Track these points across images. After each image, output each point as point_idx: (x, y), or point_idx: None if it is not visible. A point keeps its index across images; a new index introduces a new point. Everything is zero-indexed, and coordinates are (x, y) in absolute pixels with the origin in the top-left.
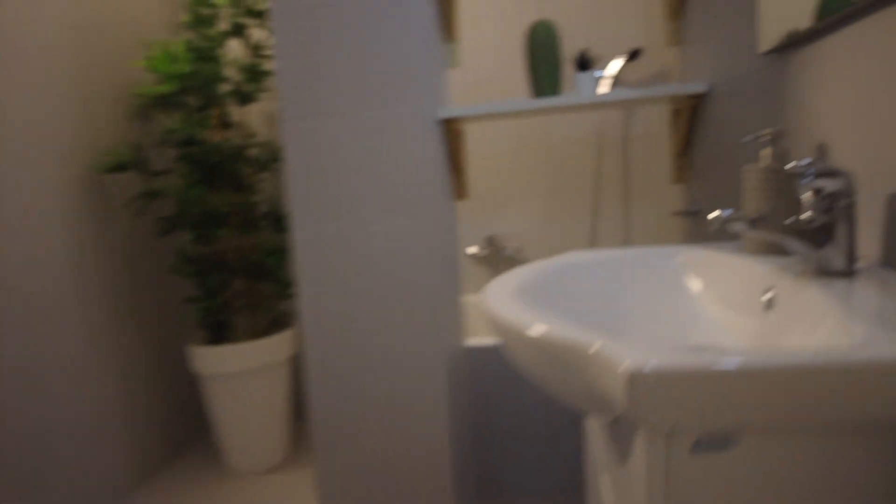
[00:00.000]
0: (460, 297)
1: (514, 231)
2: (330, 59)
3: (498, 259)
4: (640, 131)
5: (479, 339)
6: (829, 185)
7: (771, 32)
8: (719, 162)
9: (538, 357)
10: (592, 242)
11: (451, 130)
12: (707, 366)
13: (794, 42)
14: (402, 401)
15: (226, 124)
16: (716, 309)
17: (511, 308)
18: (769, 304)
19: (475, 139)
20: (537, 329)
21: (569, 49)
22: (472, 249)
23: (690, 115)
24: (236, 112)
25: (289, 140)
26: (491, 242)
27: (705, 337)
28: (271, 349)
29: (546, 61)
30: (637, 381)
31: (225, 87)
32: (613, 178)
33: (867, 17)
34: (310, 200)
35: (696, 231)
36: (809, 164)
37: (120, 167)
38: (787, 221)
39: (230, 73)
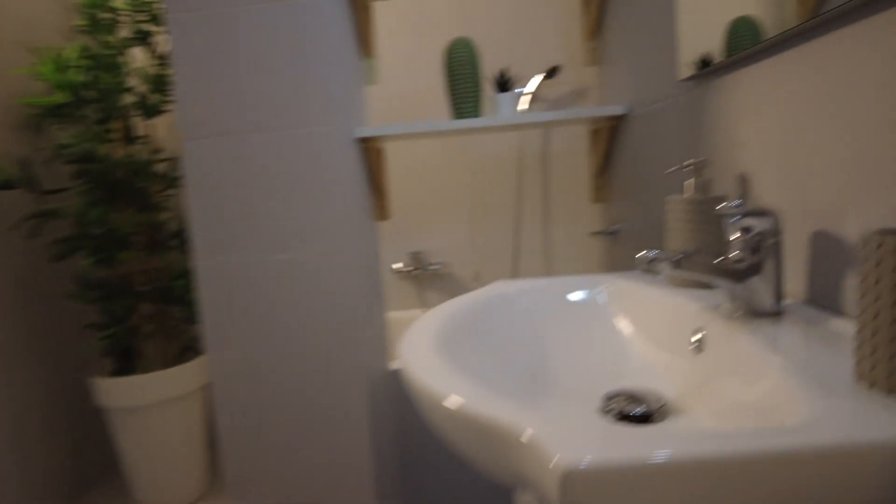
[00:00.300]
0: (383, 319)
1: (439, 246)
2: (234, 74)
3: (423, 275)
4: (561, 148)
5: None
6: (758, 224)
7: (688, 60)
8: (638, 183)
9: (461, 433)
10: (515, 258)
11: (370, 149)
12: (646, 459)
13: (708, 73)
14: (319, 430)
15: (130, 138)
16: (645, 349)
17: (429, 366)
18: (699, 347)
19: (399, 154)
20: (457, 401)
21: (489, 67)
22: (397, 265)
23: (609, 135)
24: (142, 125)
25: (189, 161)
26: (416, 258)
27: (637, 380)
28: (184, 377)
29: (466, 80)
30: (571, 478)
31: (128, 99)
32: (535, 194)
33: (776, 56)
34: (213, 227)
35: (615, 251)
36: (739, 206)
37: (4, 185)
38: (716, 262)
39: (134, 83)
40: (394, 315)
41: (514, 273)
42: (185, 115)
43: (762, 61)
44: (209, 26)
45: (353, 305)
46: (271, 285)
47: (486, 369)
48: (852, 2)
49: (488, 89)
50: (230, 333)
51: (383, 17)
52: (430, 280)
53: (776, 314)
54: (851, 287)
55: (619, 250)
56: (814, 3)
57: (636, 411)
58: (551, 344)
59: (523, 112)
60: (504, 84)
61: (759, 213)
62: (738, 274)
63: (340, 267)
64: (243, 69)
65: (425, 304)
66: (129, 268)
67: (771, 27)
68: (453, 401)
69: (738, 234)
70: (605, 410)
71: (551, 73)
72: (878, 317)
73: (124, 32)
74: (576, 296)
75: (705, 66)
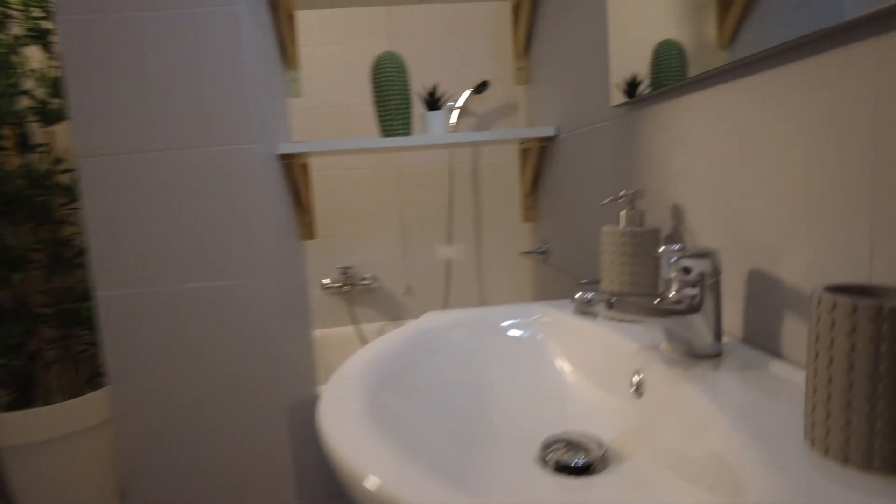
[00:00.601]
0: (309, 342)
1: (370, 261)
2: (139, 86)
3: (353, 290)
4: (492, 161)
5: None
6: (697, 265)
7: (617, 80)
8: (569, 205)
9: None
10: (447, 272)
11: (293, 165)
12: None
13: (640, 100)
14: (237, 463)
15: (26, 146)
16: (584, 390)
17: (350, 431)
18: (639, 389)
19: (326, 167)
20: (375, 483)
21: (417, 80)
22: (326, 280)
23: (539, 155)
24: (41, 132)
25: (86, 181)
26: (345, 274)
27: (576, 423)
28: (91, 407)
29: (394, 97)
30: None
31: (24, 103)
32: (466, 208)
33: (706, 90)
34: (115, 255)
35: (546, 269)
36: (679, 249)
37: None
38: (655, 302)
39: (31, 85)
40: (324, 333)
41: (446, 288)
42: (82, 129)
43: (692, 94)
44: (109, 31)
45: (275, 332)
46: (183, 316)
47: (419, 419)
48: (770, 49)
49: (418, 105)
50: (136, 368)
51: (308, 27)
52: (361, 296)
53: (716, 355)
54: (789, 329)
55: (549, 269)
56: (731, 32)
57: (576, 462)
58: (486, 384)
59: (453, 132)
60: (434, 102)
61: (700, 254)
62: (677, 313)
63: (261, 293)
64: (150, 80)
65: (356, 321)
66: (26, 289)
67: (693, 52)
68: (373, 482)
69: (677, 275)
70: (544, 460)
71: (480, 87)
72: (832, 381)
73: (17, 29)
74: (511, 331)
75: (633, 87)
